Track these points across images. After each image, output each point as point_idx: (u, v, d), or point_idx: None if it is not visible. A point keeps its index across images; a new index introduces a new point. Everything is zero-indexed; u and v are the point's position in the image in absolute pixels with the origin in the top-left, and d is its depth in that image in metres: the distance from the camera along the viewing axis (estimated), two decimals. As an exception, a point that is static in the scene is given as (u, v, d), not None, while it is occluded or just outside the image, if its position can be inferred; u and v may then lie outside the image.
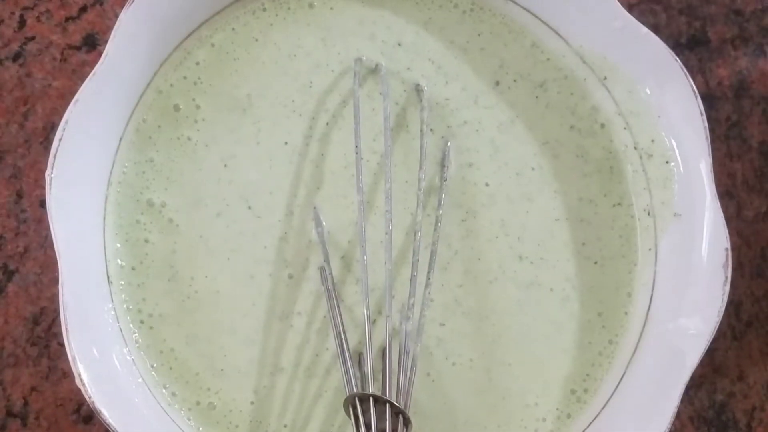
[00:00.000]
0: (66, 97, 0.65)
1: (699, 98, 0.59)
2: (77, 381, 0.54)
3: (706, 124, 0.59)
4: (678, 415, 0.57)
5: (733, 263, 0.59)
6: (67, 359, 0.61)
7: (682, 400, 0.57)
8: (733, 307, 0.68)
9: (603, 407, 0.61)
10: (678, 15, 0.71)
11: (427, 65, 0.63)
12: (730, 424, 0.67)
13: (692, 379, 0.58)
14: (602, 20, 0.60)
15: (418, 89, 0.63)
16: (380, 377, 0.58)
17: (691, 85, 0.59)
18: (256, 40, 0.62)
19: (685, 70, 0.59)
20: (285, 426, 0.60)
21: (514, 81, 0.64)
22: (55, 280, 0.62)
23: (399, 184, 0.62)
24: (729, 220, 0.64)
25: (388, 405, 0.55)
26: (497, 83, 0.63)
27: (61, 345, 0.63)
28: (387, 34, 0.63)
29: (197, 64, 0.61)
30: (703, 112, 0.59)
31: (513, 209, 0.63)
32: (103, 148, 0.59)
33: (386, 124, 0.60)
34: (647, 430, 0.58)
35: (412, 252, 0.59)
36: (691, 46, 0.70)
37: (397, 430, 0.55)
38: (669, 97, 0.60)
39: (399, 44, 0.63)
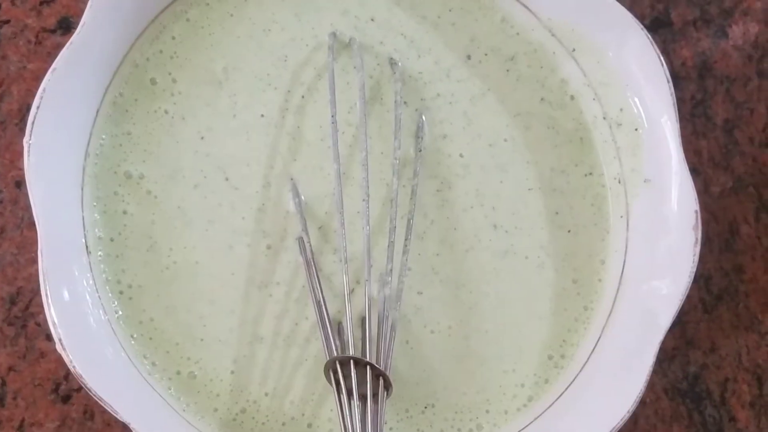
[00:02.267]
0: (41, 79, 0.63)
1: (663, 62, 0.61)
2: (58, 346, 0.53)
3: (672, 86, 0.61)
4: (652, 387, 0.58)
5: (701, 238, 0.60)
6: (45, 339, 0.63)
7: (656, 372, 0.58)
8: (704, 280, 0.69)
9: (579, 371, 0.62)
10: None
11: (400, 40, 0.64)
12: (704, 395, 0.68)
13: (665, 351, 0.59)
14: None
15: (391, 63, 0.64)
16: (360, 345, 0.58)
17: (656, 50, 0.61)
18: (231, 15, 0.63)
19: (650, 36, 0.61)
20: (266, 394, 0.60)
21: (485, 55, 0.65)
22: (31, 260, 0.63)
23: (374, 155, 0.62)
24: (696, 195, 0.65)
25: (368, 367, 0.56)
26: (469, 57, 0.65)
27: (39, 325, 0.63)
28: (360, 9, 0.64)
29: (173, 38, 0.62)
30: (669, 75, 0.61)
31: (487, 179, 0.63)
32: (80, 120, 0.59)
33: (361, 94, 0.61)
34: (623, 390, 0.58)
35: (389, 220, 0.60)
36: (654, 28, 0.72)
37: (377, 393, 0.56)
38: (633, 60, 0.62)
39: (372, 19, 0.64)
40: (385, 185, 0.62)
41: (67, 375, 0.62)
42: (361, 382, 0.56)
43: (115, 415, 0.53)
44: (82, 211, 0.59)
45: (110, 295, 0.59)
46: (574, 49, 0.64)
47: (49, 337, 0.62)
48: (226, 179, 0.61)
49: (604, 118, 0.64)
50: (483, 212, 0.63)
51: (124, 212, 0.60)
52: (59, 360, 0.54)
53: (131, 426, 0.53)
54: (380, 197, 0.62)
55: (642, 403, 0.58)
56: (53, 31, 0.67)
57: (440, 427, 0.61)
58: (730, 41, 0.72)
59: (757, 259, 0.70)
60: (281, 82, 0.63)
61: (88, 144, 0.60)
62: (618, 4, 0.61)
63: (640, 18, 0.69)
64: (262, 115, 0.62)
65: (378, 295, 0.59)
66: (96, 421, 0.63)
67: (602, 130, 0.64)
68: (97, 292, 0.59)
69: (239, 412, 0.60)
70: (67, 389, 0.63)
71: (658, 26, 0.72)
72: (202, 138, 0.61)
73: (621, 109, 0.63)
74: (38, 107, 0.55)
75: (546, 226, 0.64)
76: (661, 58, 0.60)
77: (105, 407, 0.53)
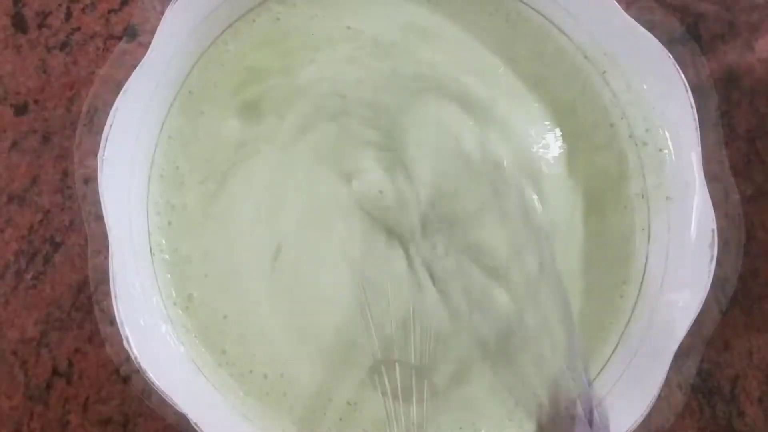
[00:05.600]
0: (108, 83, 0.68)
1: (690, 92, 0.61)
2: (125, 343, 0.56)
3: (696, 116, 0.61)
4: (667, 383, 0.58)
5: (720, 243, 0.61)
6: (108, 324, 0.64)
7: (671, 368, 0.59)
8: (720, 283, 0.70)
9: (596, 376, 0.64)
10: (672, 12, 0.74)
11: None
12: (715, 391, 0.70)
13: (680, 348, 0.60)
14: (603, 20, 0.63)
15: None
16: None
17: (684, 82, 0.62)
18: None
19: (678, 67, 0.61)
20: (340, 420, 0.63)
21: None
22: (96, 252, 0.65)
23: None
24: (718, 203, 0.65)
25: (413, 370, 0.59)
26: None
27: (103, 311, 0.66)
28: None
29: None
30: (694, 104, 0.61)
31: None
32: (148, 132, 0.62)
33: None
34: (638, 393, 0.60)
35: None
36: (684, 41, 0.73)
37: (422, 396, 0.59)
38: (663, 90, 0.63)
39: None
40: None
41: (128, 357, 0.61)
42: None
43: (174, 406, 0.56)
44: (147, 218, 0.62)
45: (174, 298, 0.62)
46: (604, 72, 0.66)
47: (112, 323, 0.64)
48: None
49: (630, 137, 0.65)
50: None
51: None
52: (120, 344, 0.56)
53: (189, 416, 0.56)
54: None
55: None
56: (120, 38, 0.69)
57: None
58: (756, 54, 0.74)
59: (772, 263, 0.71)
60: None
61: (154, 154, 0.63)
62: (649, 35, 0.62)
63: (670, 32, 0.71)
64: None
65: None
66: (153, 400, 0.65)
67: (629, 148, 0.66)
68: (161, 294, 0.62)
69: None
70: (127, 370, 0.66)
71: (687, 39, 0.73)
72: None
73: (647, 130, 0.64)
74: (111, 125, 0.57)
75: (572, 237, 0.66)
76: (689, 90, 0.62)
77: (165, 398, 0.56)
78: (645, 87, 0.64)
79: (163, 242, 0.63)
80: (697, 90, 0.67)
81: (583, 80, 0.67)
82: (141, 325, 0.58)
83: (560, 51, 0.67)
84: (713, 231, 0.61)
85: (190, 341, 0.62)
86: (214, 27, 0.64)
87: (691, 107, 0.62)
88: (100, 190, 0.57)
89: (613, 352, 0.64)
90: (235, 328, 0.63)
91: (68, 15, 0.70)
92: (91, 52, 0.70)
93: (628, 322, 0.64)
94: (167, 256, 0.63)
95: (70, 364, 0.67)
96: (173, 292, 0.62)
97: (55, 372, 0.67)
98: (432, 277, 0.62)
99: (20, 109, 0.69)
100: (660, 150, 0.64)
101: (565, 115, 0.67)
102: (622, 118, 0.66)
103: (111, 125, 0.57)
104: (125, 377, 0.67)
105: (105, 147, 0.57)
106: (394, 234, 0.63)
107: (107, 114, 0.57)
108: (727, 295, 0.71)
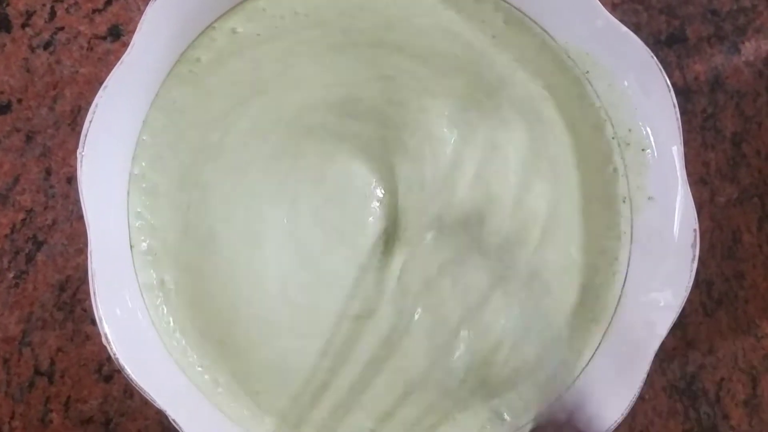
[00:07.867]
0: (92, 83, 0.69)
1: (672, 91, 0.61)
2: (103, 340, 0.56)
3: (679, 115, 0.61)
4: (652, 385, 0.59)
5: (705, 245, 0.61)
6: (90, 324, 0.65)
7: (656, 371, 0.59)
8: (705, 285, 0.71)
9: (580, 373, 0.64)
10: (658, 14, 0.74)
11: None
12: (699, 394, 0.70)
13: (666, 351, 0.60)
14: (586, 20, 0.63)
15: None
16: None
17: (666, 80, 0.61)
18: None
19: (660, 66, 0.61)
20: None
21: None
22: (79, 251, 0.66)
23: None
24: (703, 205, 0.67)
25: None
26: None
27: (85, 310, 0.67)
28: None
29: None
30: (676, 104, 0.61)
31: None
32: (128, 129, 0.62)
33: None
34: (621, 391, 0.60)
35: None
36: (670, 43, 0.73)
37: None
38: (645, 90, 0.63)
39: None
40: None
41: (110, 357, 0.62)
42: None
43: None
44: (128, 214, 0.62)
45: (154, 298, 0.62)
46: (587, 72, 0.65)
47: (93, 322, 0.65)
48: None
49: (613, 138, 0.65)
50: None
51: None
52: (102, 343, 0.56)
53: (168, 413, 0.56)
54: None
55: (641, 399, 0.60)
56: (104, 38, 0.70)
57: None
58: (742, 57, 0.74)
59: (757, 266, 0.72)
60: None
61: (135, 151, 0.62)
62: (631, 34, 0.61)
63: (656, 33, 0.72)
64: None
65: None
66: (135, 400, 0.67)
67: (612, 148, 0.66)
68: (140, 288, 0.62)
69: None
70: (109, 370, 0.67)
71: (673, 42, 0.74)
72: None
73: (629, 130, 0.64)
74: (91, 121, 0.57)
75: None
76: (671, 89, 0.61)
77: (145, 396, 0.56)
78: (626, 84, 0.64)
79: (143, 239, 0.62)
80: (683, 92, 0.70)
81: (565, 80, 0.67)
82: (121, 322, 0.58)
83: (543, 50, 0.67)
84: (695, 230, 0.61)
85: (171, 338, 0.62)
86: (195, 25, 0.63)
87: (674, 106, 0.62)
88: (80, 187, 0.56)
89: (595, 351, 0.64)
90: (217, 325, 0.63)
91: (52, 14, 0.70)
92: (75, 52, 0.70)
93: (611, 321, 0.64)
94: (148, 254, 0.62)
95: (52, 363, 0.67)
96: (153, 289, 0.62)
97: (37, 371, 0.67)
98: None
99: (3, 108, 0.69)
100: (643, 150, 0.64)
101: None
102: (605, 119, 0.66)
103: (91, 122, 0.57)
104: (107, 376, 0.67)
105: (84, 143, 0.57)
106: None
107: (90, 113, 0.57)
108: (713, 298, 0.71)
